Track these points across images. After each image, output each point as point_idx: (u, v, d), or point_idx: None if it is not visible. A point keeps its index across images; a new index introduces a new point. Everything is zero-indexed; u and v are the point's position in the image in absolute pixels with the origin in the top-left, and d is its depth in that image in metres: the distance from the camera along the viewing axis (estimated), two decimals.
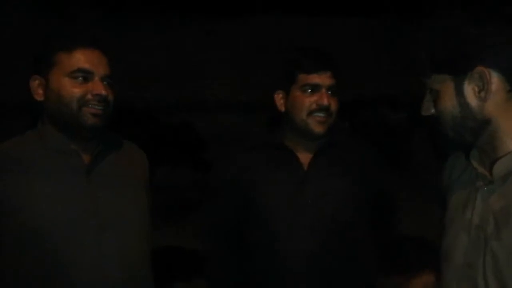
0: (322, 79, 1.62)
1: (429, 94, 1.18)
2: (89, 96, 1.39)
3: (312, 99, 1.61)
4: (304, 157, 1.69)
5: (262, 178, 1.69)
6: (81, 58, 1.40)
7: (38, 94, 1.43)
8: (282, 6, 5.86)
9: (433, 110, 1.16)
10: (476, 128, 1.12)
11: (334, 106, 1.64)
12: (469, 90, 1.10)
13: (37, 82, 1.43)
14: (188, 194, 5.67)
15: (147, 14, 6.09)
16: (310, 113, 1.62)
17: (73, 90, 1.39)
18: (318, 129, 1.62)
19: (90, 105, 1.39)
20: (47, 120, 1.44)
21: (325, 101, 1.60)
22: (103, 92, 1.39)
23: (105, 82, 1.42)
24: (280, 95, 1.69)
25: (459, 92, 1.11)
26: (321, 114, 1.62)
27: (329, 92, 1.63)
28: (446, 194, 1.33)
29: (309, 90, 1.62)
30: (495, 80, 1.08)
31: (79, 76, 1.39)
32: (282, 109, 1.69)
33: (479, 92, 1.09)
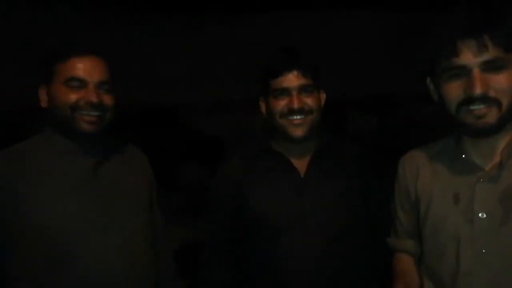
0: (290, 81, 1.56)
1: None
2: (81, 103, 1.47)
3: (283, 103, 1.57)
4: (298, 163, 1.62)
5: (260, 187, 1.61)
6: (75, 67, 1.49)
7: (43, 101, 1.53)
8: (294, 2, 5.75)
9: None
10: None
11: (311, 105, 1.57)
12: None
13: (42, 90, 1.53)
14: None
15: (162, 15, 6.08)
16: (283, 116, 1.57)
17: (67, 97, 1.47)
18: (295, 132, 1.57)
19: (83, 112, 1.47)
20: (53, 125, 1.53)
21: (294, 104, 1.54)
22: (94, 100, 1.47)
23: (100, 89, 1.50)
24: (263, 102, 1.67)
25: None
26: (294, 117, 1.56)
27: (303, 92, 1.56)
28: (409, 195, 1.37)
29: (280, 95, 1.57)
30: None
31: (74, 84, 1.48)
32: (265, 115, 1.67)
33: None
